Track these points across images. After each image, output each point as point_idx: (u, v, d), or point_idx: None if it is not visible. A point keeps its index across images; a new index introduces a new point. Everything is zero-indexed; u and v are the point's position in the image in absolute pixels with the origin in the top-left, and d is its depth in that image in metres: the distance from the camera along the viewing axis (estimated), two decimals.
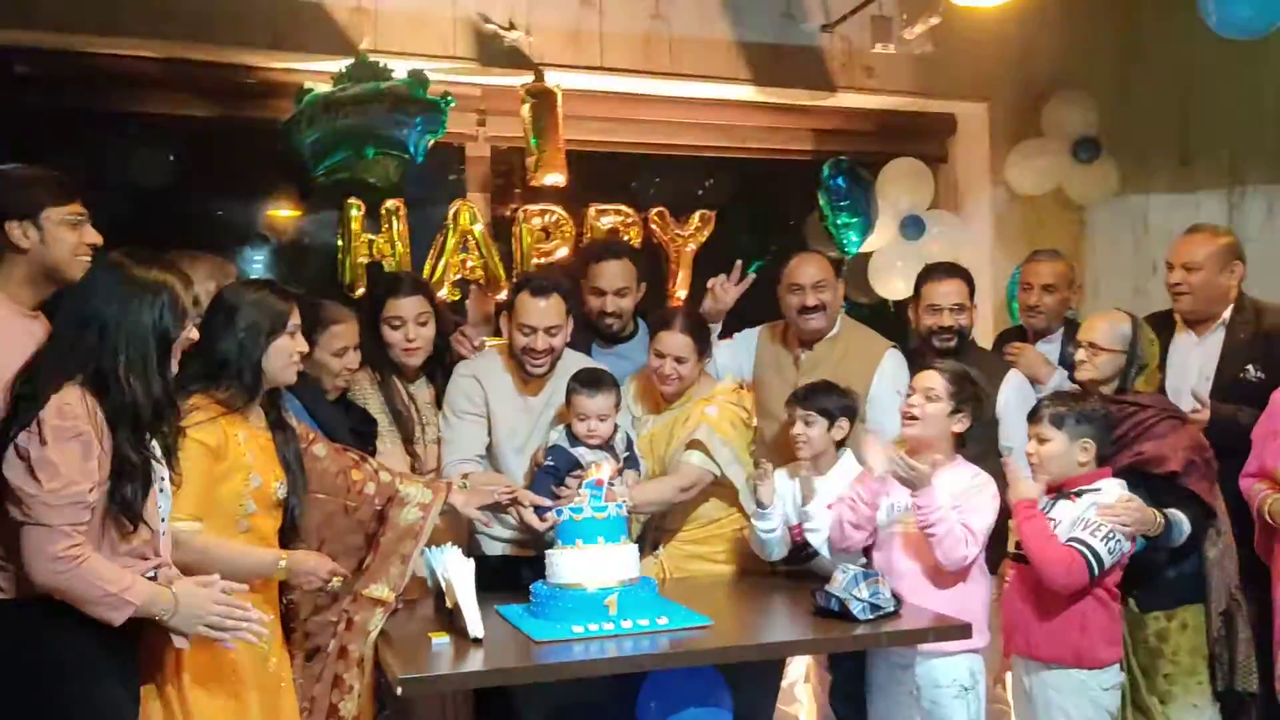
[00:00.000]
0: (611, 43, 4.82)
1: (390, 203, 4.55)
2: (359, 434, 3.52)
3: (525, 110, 4.54)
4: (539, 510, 3.43)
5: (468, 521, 3.52)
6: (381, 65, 4.34)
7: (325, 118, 4.25)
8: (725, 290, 4.24)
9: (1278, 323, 3.98)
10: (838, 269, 4.23)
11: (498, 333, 4.24)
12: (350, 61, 4.33)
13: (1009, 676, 3.70)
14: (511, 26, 4.57)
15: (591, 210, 4.87)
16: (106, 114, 4.46)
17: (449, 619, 3.15)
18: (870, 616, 3.14)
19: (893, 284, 5.26)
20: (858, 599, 3.15)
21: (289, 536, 2.93)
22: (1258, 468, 3.54)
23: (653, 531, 3.89)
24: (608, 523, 3.23)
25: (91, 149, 4.46)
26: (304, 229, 4.85)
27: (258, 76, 4.53)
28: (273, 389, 2.94)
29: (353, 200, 4.53)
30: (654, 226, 4.95)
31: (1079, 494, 3.39)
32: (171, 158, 4.68)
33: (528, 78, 4.59)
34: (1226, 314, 4.03)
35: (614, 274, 4.15)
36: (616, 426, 3.71)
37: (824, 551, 3.60)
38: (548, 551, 3.28)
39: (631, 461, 3.74)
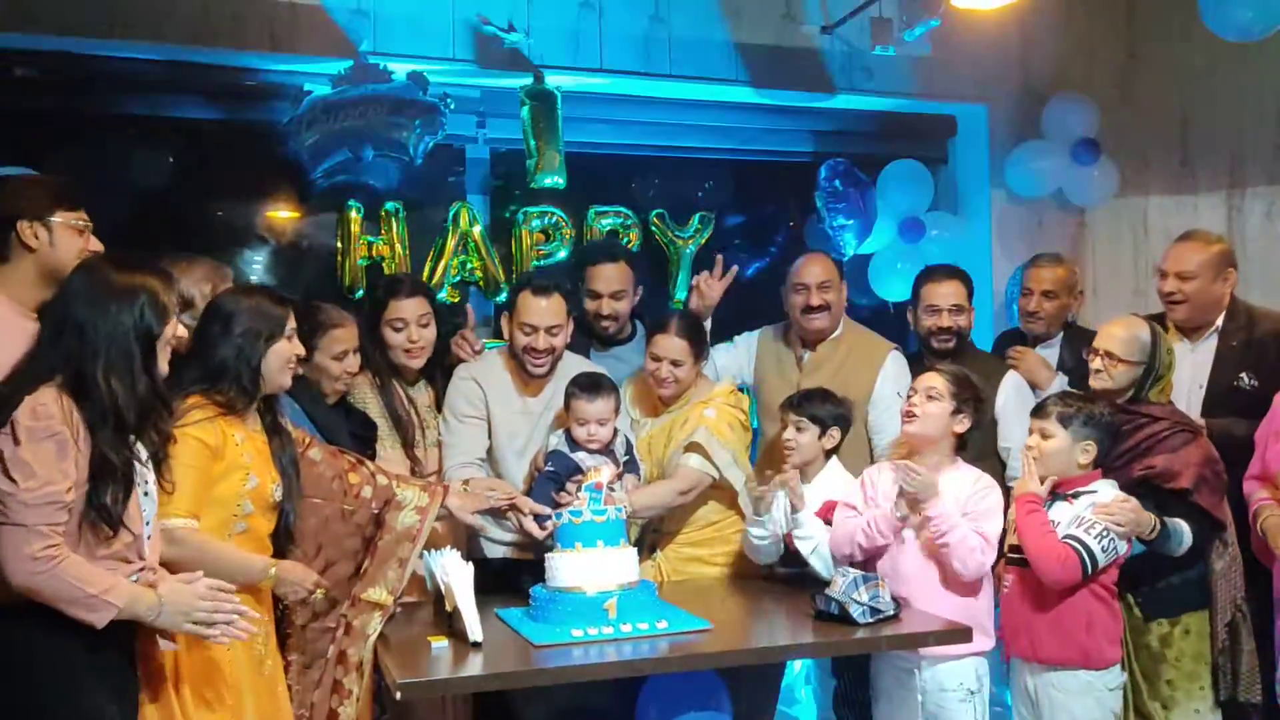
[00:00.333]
0: (611, 44, 4.82)
1: (389, 205, 4.56)
2: (358, 438, 3.51)
3: (525, 112, 4.54)
4: (539, 519, 3.42)
5: (467, 525, 3.52)
6: (381, 67, 4.35)
7: (325, 120, 4.25)
8: (710, 286, 4.27)
9: (1270, 329, 3.96)
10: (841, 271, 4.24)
11: (497, 335, 4.24)
12: (350, 64, 4.33)
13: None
14: (511, 28, 4.56)
15: (591, 212, 4.88)
16: (106, 116, 4.46)
17: (448, 622, 3.15)
18: (870, 620, 3.13)
19: (892, 286, 5.26)
20: (857, 602, 3.14)
21: (283, 541, 2.93)
22: (1260, 469, 3.53)
23: (651, 534, 3.89)
24: (607, 526, 3.23)
25: (91, 151, 4.45)
26: (303, 231, 4.84)
27: (257, 79, 4.53)
28: (269, 394, 2.94)
29: (352, 202, 4.54)
30: (654, 228, 4.96)
31: (1075, 496, 3.39)
32: (171, 160, 4.67)
33: (527, 79, 4.59)
34: (1219, 321, 4.01)
35: (610, 277, 4.14)
36: (616, 430, 3.70)
37: (812, 562, 3.58)
38: (547, 555, 3.28)
39: (631, 465, 3.73)
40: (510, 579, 3.59)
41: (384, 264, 4.54)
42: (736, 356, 4.29)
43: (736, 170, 5.56)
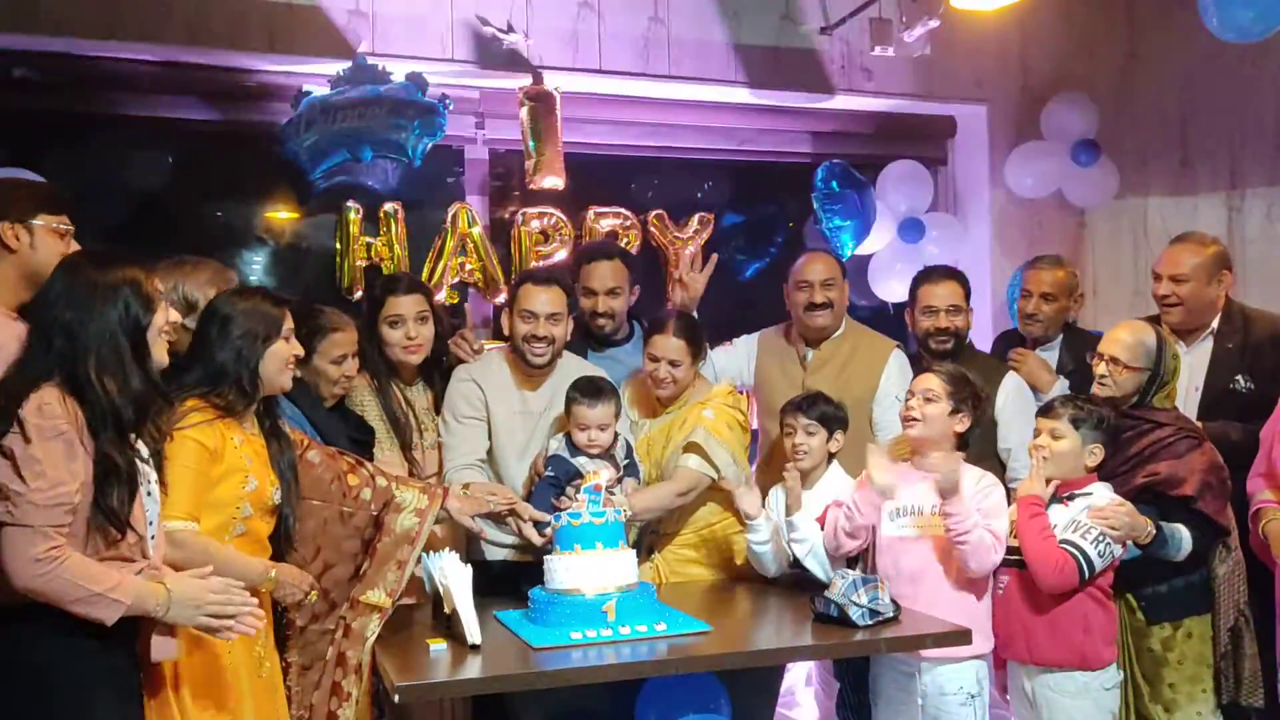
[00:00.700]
0: (610, 45, 4.82)
1: (388, 206, 4.55)
2: (357, 442, 3.51)
3: (524, 113, 4.54)
4: (538, 525, 3.42)
5: (466, 527, 3.51)
6: (380, 68, 4.34)
7: (323, 121, 4.25)
8: (692, 279, 4.30)
9: (1266, 332, 3.96)
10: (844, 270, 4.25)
11: (497, 336, 4.23)
12: (348, 64, 4.33)
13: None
14: (510, 29, 4.56)
15: (590, 213, 4.87)
16: (105, 117, 4.46)
17: (447, 625, 3.14)
18: (869, 622, 3.13)
19: (892, 286, 5.25)
20: (857, 605, 3.14)
21: (282, 544, 2.93)
22: (1266, 467, 3.53)
23: (649, 536, 3.88)
24: (606, 528, 3.22)
25: (90, 152, 4.45)
26: (302, 232, 4.84)
27: (256, 80, 4.52)
28: (268, 396, 2.94)
29: (351, 203, 4.53)
30: (653, 229, 4.95)
31: (1070, 498, 3.39)
32: (169, 161, 4.67)
33: (526, 80, 4.59)
34: (1215, 323, 4.01)
35: (605, 274, 4.14)
36: (616, 435, 3.70)
37: (808, 565, 3.58)
38: (546, 557, 3.28)
39: (631, 469, 3.73)
40: (511, 582, 3.59)
41: (383, 265, 4.53)
42: (736, 358, 4.29)
43: (736, 171, 5.56)
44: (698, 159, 5.41)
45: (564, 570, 3.18)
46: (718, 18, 4.96)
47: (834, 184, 5.08)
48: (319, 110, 4.25)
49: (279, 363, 2.89)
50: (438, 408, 3.84)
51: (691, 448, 3.72)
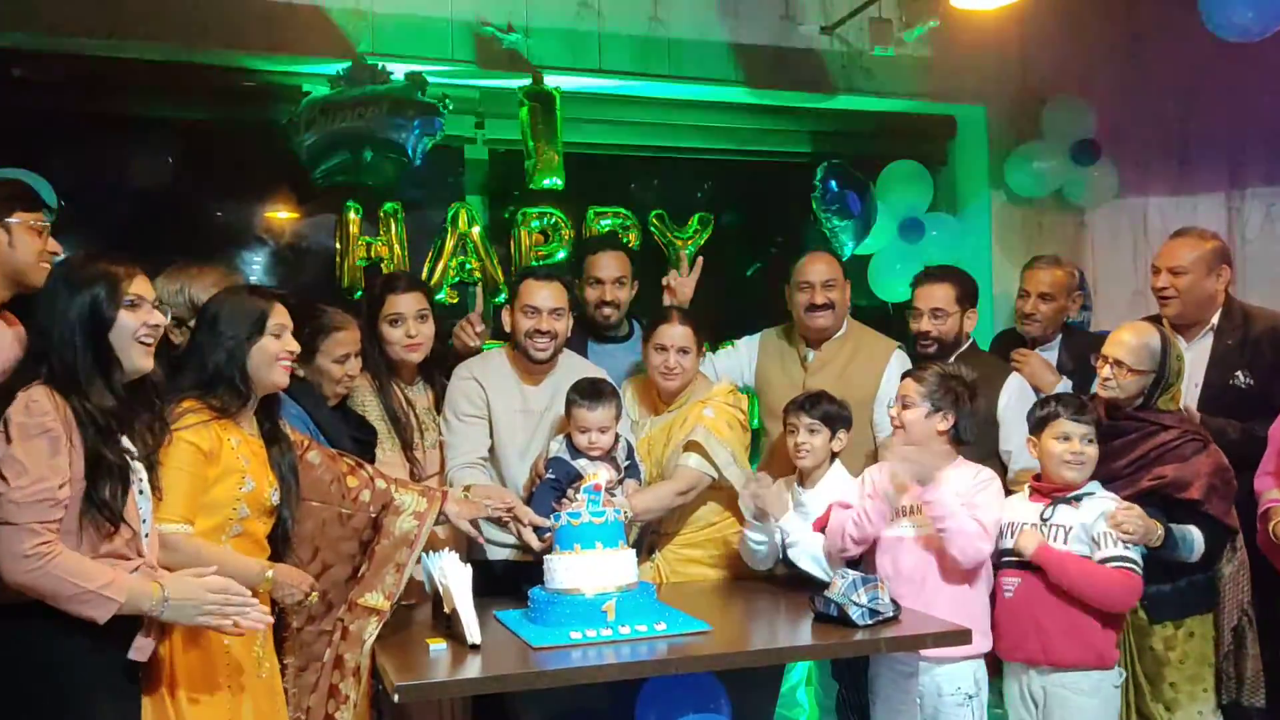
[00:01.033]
0: (610, 45, 4.82)
1: (388, 205, 4.55)
2: (359, 442, 3.50)
3: (523, 113, 4.54)
4: (538, 531, 3.41)
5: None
6: (380, 68, 4.34)
7: (323, 120, 4.25)
8: (681, 283, 4.36)
9: (1266, 328, 3.96)
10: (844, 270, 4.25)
11: (498, 335, 4.23)
12: (348, 64, 4.33)
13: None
14: (510, 29, 4.56)
15: (590, 213, 4.87)
16: (105, 117, 4.46)
17: (447, 625, 3.14)
18: (869, 622, 3.12)
19: (892, 287, 5.25)
20: (857, 604, 3.13)
21: (280, 546, 2.92)
22: (1275, 465, 3.52)
23: (649, 535, 3.88)
24: (605, 528, 3.22)
25: (90, 152, 4.45)
26: (302, 232, 4.84)
27: (256, 79, 4.53)
28: (269, 397, 2.94)
29: (351, 203, 4.53)
30: (653, 229, 4.95)
31: (1078, 499, 3.39)
32: (169, 160, 4.67)
33: (526, 80, 4.59)
34: (1215, 319, 4.02)
35: (611, 264, 4.20)
36: (618, 436, 3.70)
37: (805, 566, 3.58)
38: (545, 557, 3.27)
39: (632, 470, 3.73)
40: (513, 582, 3.58)
41: (383, 265, 4.53)
42: (737, 359, 4.29)
43: (736, 171, 5.56)
44: (697, 159, 5.41)
45: (564, 570, 3.17)
46: (717, 17, 4.97)
47: (834, 184, 5.08)
48: (319, 110, 4.26)
49: (267, 359, 2.85)
50: (438, 407, 3.84)
51: (692, 446, 3.72)
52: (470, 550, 3.63)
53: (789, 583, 3.67)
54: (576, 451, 3.62)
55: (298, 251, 4.84)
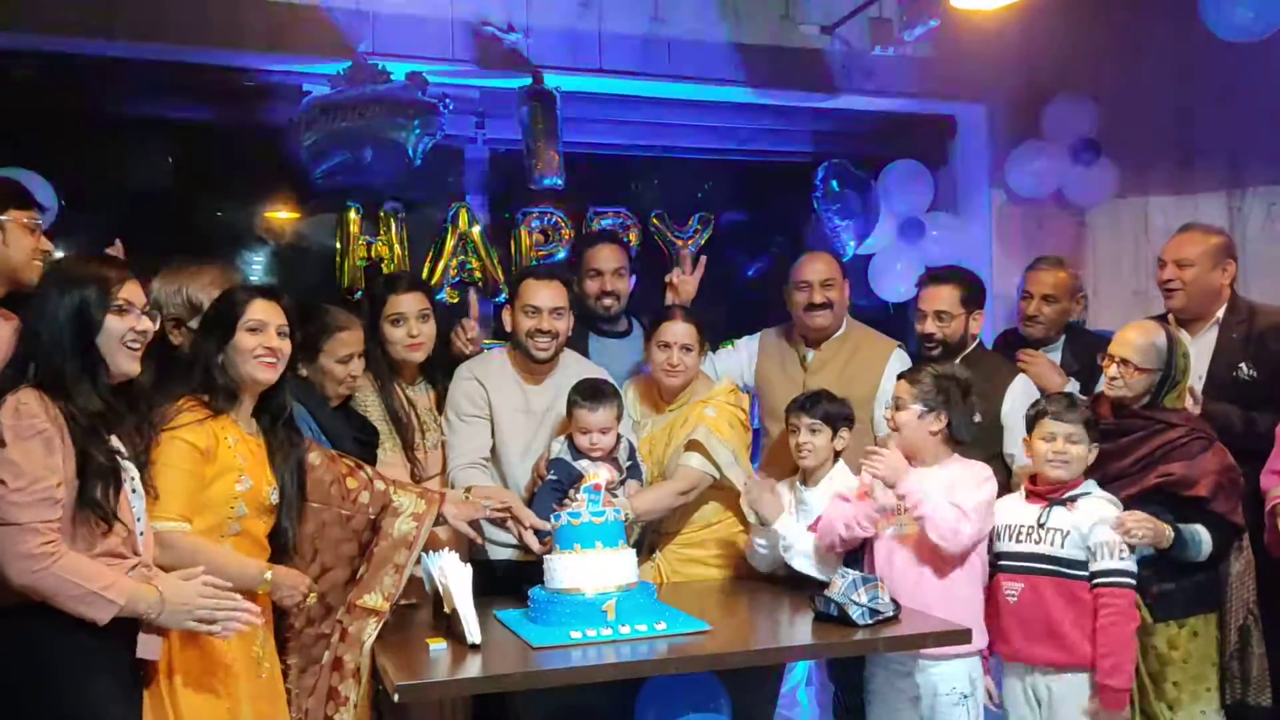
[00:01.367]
0: (610, 45, 4.81)
1: (388, 205, 4.56)
2: (361, 442, 3.50)
3: (524, 112, 4.54)
4: (538, 534, 3.41)
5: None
6: (380, 68, 4.34)
7: (324, 120, 4.25)
8: (684, 281, 4.37)
9: (1271, 322, 3.97)
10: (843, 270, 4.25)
11: (497, 336, 4.24)
12: (349, 64, 4.33)
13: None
14: (510, 29, 4.56)
15: (590, 212, 4.88)
16: (105, 117, 4.46)
17: (447, 625, 3.14)
18: (869, 621, 3.13)
19: (892, 286, 5.25)
20: (856, 604, 3.14)
21: (280, 549, 2.92)
22: None
23: (650, 535, 3.88)
24: (605, 527, 3.22)
25: (90, 152, 4.45)
26: (302, 232, 4.85)
27: (256, 79, 4.53)
28: (271, 396, 2.93)
29: (351, 203, 4.53)
30: (653, 229, 4.96)
31: (1073, 500, 3.40)
32: (170, 161, 4.67)
33: (526, 80, 4.59)
34: (1220, 313, 4.03)
35: (609, 255, 4.24)
36: (619, 437, 3.70)
37: (802, 568, 3.57)
38: (545, 557, 3.27)
39: (634, 470, 3.73)
40: (514, 582, 3.58)
41: (383, 265, 4.54)
42: (737, 359, 4.29)
43: (736, 171, 5.56)
44: (698, 159, 5.41)
45: (564, 570, 3.17)
46: (718, 17, 4.96)
47: (834, 183, 5.08)
48: (319, 110, 4.25)
49: (243, 355, 2.84)
50: (440, 407, 3.84)
51: (693, 446, 3.72)
52: (471, 550, 3.63)
53: (789, 583, 3.66)
54: (578, 452, 3.62)
55: (298, 251, 4.84)
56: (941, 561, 3.39)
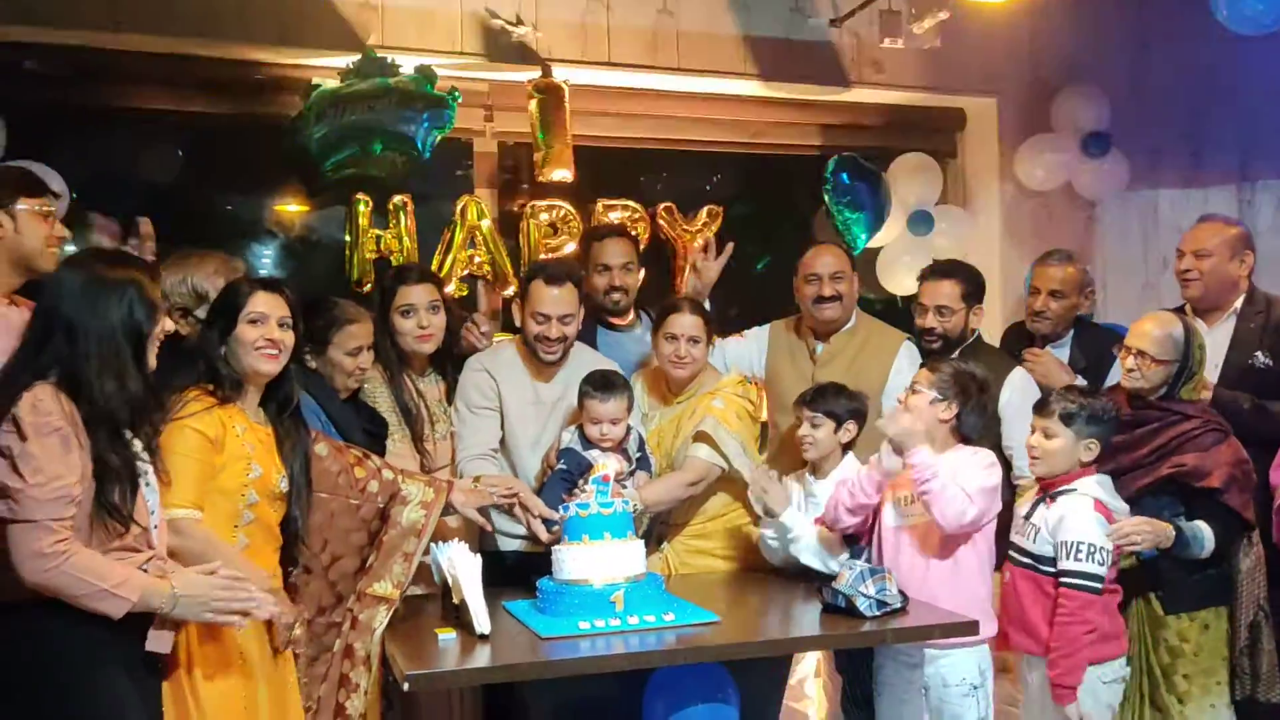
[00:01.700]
0: (619, 38, 4.81)
1: (398, 198, 4.56)
2: (370, 434, 3.51)
3: (533, 105, 4.54)
4: (547, 523, 3.42)
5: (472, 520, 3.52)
6: (389, 61, 4.34)
7: (333, 113, 4.25)
8: (707, 265, 4.34)
9: None
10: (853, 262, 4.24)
11: (506, 328, 4.24)
12: (358, 57, 4.33)
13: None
14: (519, 21, 4.56)
15: (599, 205, 4.87)
16: (114, 110, 4.46)
17: (456, 615, 3.15)
18: (877, 613, 3.13)
19: (901, 279, 5.25)
20: (865, 595, 3.14)
21: (291, 537, 2.93)
22: None
23: (658, 526, 3.89)
24: (614, 519, 3.23)
25: (99, 145, 4.47)
26: (312, 225, 4.86)
27: (265, 72, 4.53)
28: (277, 387, 2.94)
29: (360, 196, 4.53)
30: (662, 222, 4.95)
31: (1054, 497, 3.39)
32: (179, 154, 4.69)
33: (535, 73, 4.59)
34: (1238, 304, 4.05)
35: (618, 250, 4.23)
36: (629, 428, 3.70)
37: (805, 560, 3.57)
38: (554, 548, 3.28)
39: (644, 462, 3.74)
40: (523, 573, 3.59)
41: (392, 258, 4.54)
42: (747, 349, 4.29)
43: (745, 164, 5.56)
44: (707, 151, 5.41)
45: (572, 560, 3.18)
46: (727, 10, 4.96)
47: (844, 176, 5.07)
48: (329, 103, 4.26)
49: (244, 347, 2.84)
50: (449, 398, 3.85)
51: (701, 437, 3.73)
52: (480, 541, 3.63)
53: (797, 574, 3.67)
54: (588, 443, 3.63)
55: (307, 244, 4.86)
56: (949, 552, 3.40)
